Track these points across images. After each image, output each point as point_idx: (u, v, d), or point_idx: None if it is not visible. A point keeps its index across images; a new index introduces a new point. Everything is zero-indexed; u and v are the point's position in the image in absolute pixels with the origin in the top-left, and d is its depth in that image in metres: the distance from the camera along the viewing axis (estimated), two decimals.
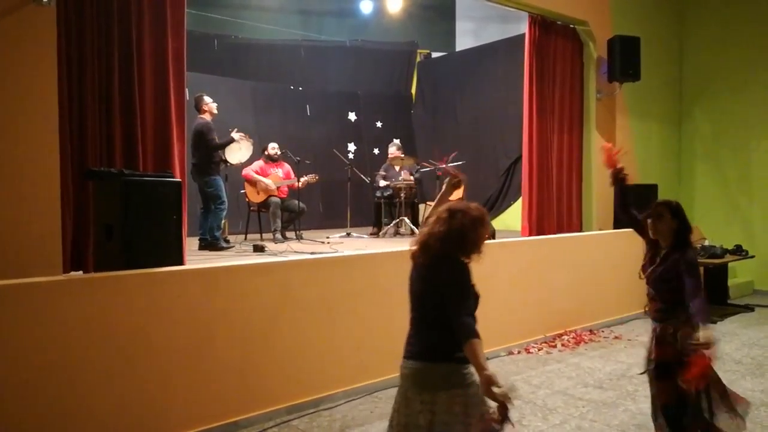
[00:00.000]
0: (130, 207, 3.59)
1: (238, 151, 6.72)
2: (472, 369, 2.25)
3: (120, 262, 3.58)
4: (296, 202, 7.34)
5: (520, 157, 7.91)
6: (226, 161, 6.60)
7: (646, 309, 3.21)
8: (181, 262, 3.92)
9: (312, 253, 4.92)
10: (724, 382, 3.13)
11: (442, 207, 2.46)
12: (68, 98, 3.97)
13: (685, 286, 2.92)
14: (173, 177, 4.07)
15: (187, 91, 4.78)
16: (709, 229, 8.27)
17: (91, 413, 3.34)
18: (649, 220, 3.15)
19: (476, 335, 2.21)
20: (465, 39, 10.86)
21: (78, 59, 4.03)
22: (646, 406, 4.15)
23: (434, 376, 2.29)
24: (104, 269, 3.62)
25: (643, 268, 3.21)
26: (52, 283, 3.33)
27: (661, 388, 3.08)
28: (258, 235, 7.38)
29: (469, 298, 2.31)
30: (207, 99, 6.45)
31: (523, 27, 7.15)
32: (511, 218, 8.88)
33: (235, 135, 6.62)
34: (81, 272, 4.01)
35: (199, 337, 3.75)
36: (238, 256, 5.75)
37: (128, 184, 3.62)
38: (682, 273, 2.95)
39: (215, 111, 6.50)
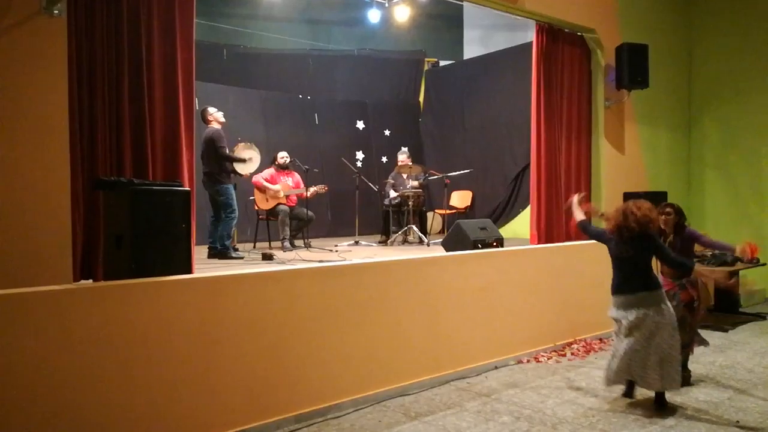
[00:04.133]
0: (139, 216, 3.61)
1: (248, 163, 6.76)
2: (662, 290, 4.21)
3: (129, 271, 3.59)
4: (305, 210, 7.37)
5: (528, 165, 7.90)
6: (235, 171, 6.64)
7: (665, 273, 4.74)
8: (189, 271, 3.93)
9: (320, 262, 4.92)
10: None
11: (628, 206, 4.15)
12: (78, 108, 4.01)
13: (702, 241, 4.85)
14: (182, 186, 4.08)
15: (196, 100, 4.82)
16: (720, 237, 8.07)
17: (99, 421, 3.35)
18: (662, 218, 4.66)
19: (693, 264, 4.30)
20: (473, 47, 10.89)
21: (88, 69, 4.07)
22: (656, 414, 4.13)
23: (657, 297, 4.12)
24: (113, 278, 3.63)
25: None
26: (62, 291, 3.35)
27: (696, 317, 4.79)
28: (266, 244, 7.41)
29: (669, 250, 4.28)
30: (211, 110, 6.52)
31: (530, 35, 7.16)
32: (520, 226, 8.86)
33: (243, 149, 6.70)
34: (91, 281, 4.04)
35: (206, 346, 3.75)
36: (246, 264, 5.77)
37: (137, 194, 3.64)
38: (700, 237, 4.84)
39: (222, 119, 6.56)
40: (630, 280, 4.15)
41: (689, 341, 4.72)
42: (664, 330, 4.05)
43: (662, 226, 4.70)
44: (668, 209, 4.78)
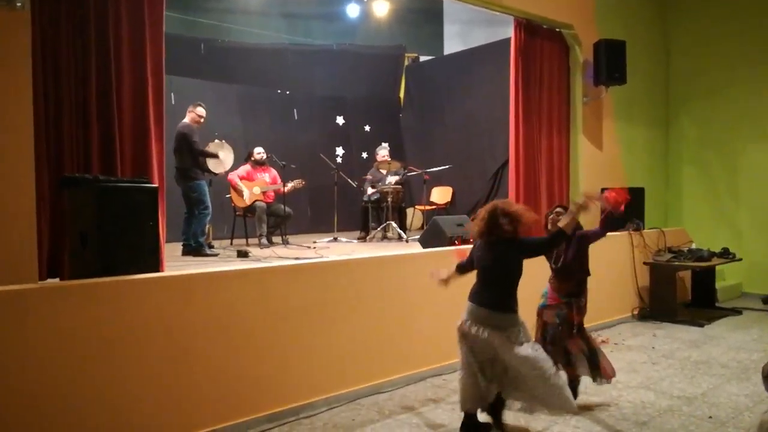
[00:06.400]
0: (105, 214, 3.54)
1: (219, 161, 6.66)
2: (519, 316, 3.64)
3: (96, 270, 3.52)
4: (282, 206, 7.30)
5: (507, 161, 7.89)
6: (209, 171, 6.54)
7: (554, 287, 4.33)
8: (158, 269, 3.86)
9: (296, 259, 4.88)
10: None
11: (490, 206, 3.65)
12: (44, 103, 3.91)
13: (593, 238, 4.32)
14: (150, 182, 4.01)
15: (172, 95, 4.74)
16: (696, 233, 8.27)
17: (65, 423, 3.28)
18: (551, 217, 4.32)
19: (562, 230, 3.79)
20: (453, 42, 10.86)
21: (53, 63, 3.98)
22: (630, 411, 4.15)
23: (510, 321, 3.59)
24: (79, 277, 3.56)
25: (557, 259, 4.33)
26: (27, 290, 3.27)
27: (575, 342, 4.20)
28: (244, 240, 7.34)
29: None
30: (202, 109, 6.46)
31: (509, 31, 7.13)
32: None
33: (215, 148, 6.64)
34: (57, 280, 3.95)
35: (176, 345, 3.69)
36: (220, 261, 5.71)
37: (103, 191, 3.57)
38: (585, 233, 4.32)
39: (201, 120, 6.48)
40: (486, 293, 3.63)
41: (562, 362, 4.14)
42: (515, 360, 3.52)
43: (549, 228, 4.28)
44: (558, 209, 4.33)
